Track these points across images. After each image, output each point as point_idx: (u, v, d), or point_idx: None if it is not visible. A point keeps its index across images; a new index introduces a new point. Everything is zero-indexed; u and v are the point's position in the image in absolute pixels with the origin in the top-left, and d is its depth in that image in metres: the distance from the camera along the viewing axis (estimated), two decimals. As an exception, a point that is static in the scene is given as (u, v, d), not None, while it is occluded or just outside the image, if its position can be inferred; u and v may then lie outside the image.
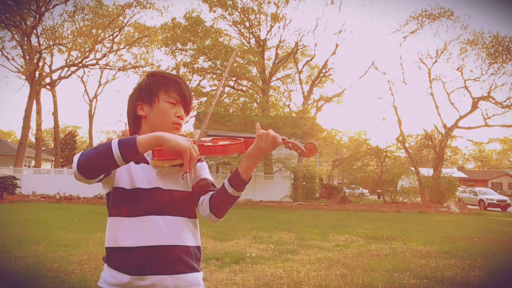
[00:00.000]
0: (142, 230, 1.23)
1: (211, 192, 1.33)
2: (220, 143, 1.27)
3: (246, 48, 23.39)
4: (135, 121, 1.36)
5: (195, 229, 1.34)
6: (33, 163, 30.29)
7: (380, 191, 27.77)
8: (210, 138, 1.30)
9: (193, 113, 23.61)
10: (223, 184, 1.28)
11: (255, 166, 1.26)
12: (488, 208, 22.61)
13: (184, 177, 1.23)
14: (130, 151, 1.11)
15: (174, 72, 23.73)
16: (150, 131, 1.24)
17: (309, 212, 16.23)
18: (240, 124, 19.71)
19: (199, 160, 1.38)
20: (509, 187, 49.28)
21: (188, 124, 25.48)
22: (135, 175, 1.27)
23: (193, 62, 22.30)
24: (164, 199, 1.27)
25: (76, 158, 1.13)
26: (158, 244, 1.23)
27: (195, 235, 1.33)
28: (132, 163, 1.30)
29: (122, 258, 1.23)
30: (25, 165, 27.57)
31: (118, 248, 1.24)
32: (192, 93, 1.46)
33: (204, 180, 1.37)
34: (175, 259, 1.25)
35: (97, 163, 1.12)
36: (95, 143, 36.92)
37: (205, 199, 1.32)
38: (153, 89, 1.33)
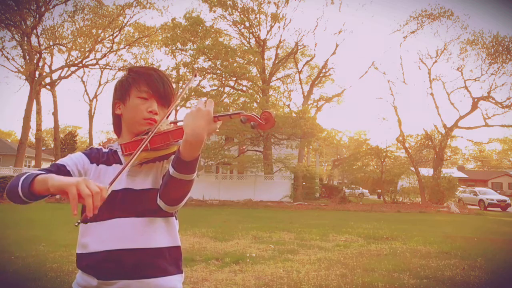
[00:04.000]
0: (108, 234, 1.19)
1: None
2: (167, 129, 1.19)
3: (246, 48, 23.38)
4: (116, 121, 1.34)
5: (170, 228, 1.27)
6: (33, 163, 30.27)
7: (380, 191, 27.78)
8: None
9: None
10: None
11: (193, 144, 1.03)
12: (488, 208, 22.58)
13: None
14: (27, 190, 1.06)
15: (174, 72, 23.73)
16: (126, 129, 1.30)
17: (309, 212, 16.24)
18: (240, 124, 19.70)
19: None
20: (509, 187, 49.27)
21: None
22: (106, 179, 1.20)
23: (193, 62, 22.30)
24: (132, 200, 1.22)
25: (7, 185, 1.10)
26: (124, 248, 1.18)
27: (170, 235, 1.26)
28: (104, 165, 1.27)
29: (89, 263, 1.21)
30: (25, 165, 27.57)
31: (86, 254, 1.21)
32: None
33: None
34: (143, 263, 1.20)
35: (14, 199, 1.08)
36: (95, 143, 36.94)
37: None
38: (125, 86, 1.30)
